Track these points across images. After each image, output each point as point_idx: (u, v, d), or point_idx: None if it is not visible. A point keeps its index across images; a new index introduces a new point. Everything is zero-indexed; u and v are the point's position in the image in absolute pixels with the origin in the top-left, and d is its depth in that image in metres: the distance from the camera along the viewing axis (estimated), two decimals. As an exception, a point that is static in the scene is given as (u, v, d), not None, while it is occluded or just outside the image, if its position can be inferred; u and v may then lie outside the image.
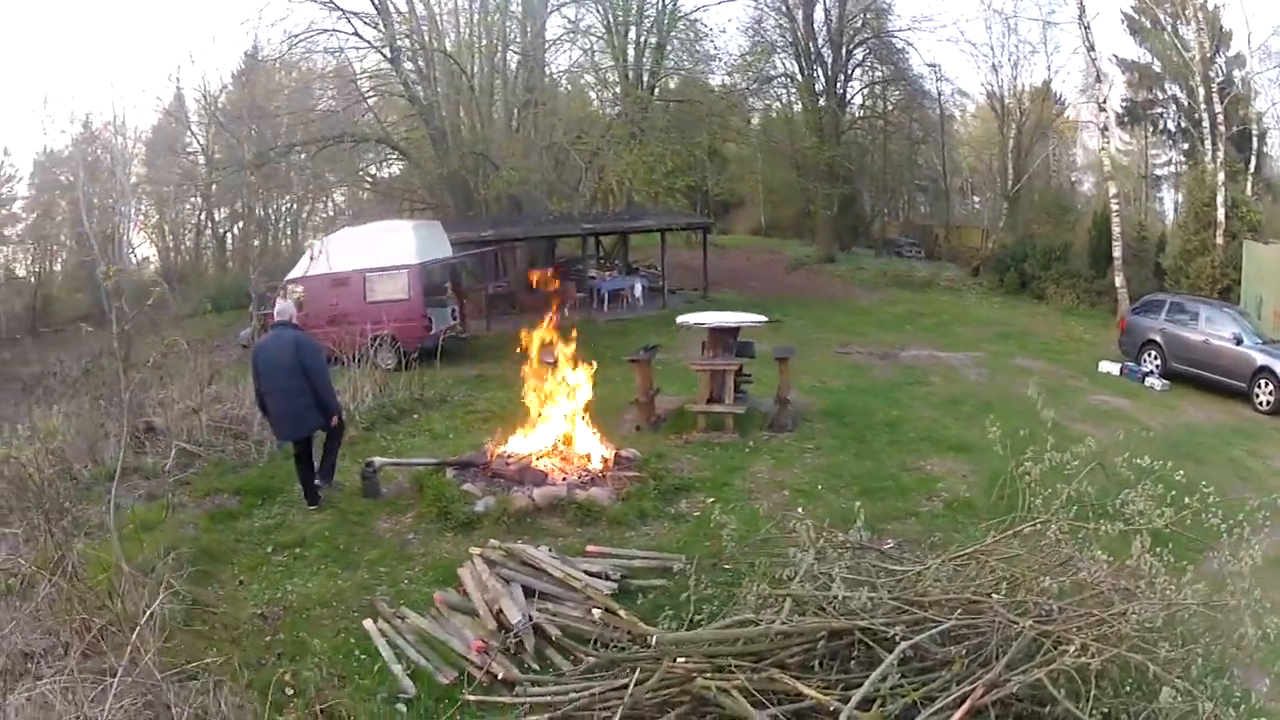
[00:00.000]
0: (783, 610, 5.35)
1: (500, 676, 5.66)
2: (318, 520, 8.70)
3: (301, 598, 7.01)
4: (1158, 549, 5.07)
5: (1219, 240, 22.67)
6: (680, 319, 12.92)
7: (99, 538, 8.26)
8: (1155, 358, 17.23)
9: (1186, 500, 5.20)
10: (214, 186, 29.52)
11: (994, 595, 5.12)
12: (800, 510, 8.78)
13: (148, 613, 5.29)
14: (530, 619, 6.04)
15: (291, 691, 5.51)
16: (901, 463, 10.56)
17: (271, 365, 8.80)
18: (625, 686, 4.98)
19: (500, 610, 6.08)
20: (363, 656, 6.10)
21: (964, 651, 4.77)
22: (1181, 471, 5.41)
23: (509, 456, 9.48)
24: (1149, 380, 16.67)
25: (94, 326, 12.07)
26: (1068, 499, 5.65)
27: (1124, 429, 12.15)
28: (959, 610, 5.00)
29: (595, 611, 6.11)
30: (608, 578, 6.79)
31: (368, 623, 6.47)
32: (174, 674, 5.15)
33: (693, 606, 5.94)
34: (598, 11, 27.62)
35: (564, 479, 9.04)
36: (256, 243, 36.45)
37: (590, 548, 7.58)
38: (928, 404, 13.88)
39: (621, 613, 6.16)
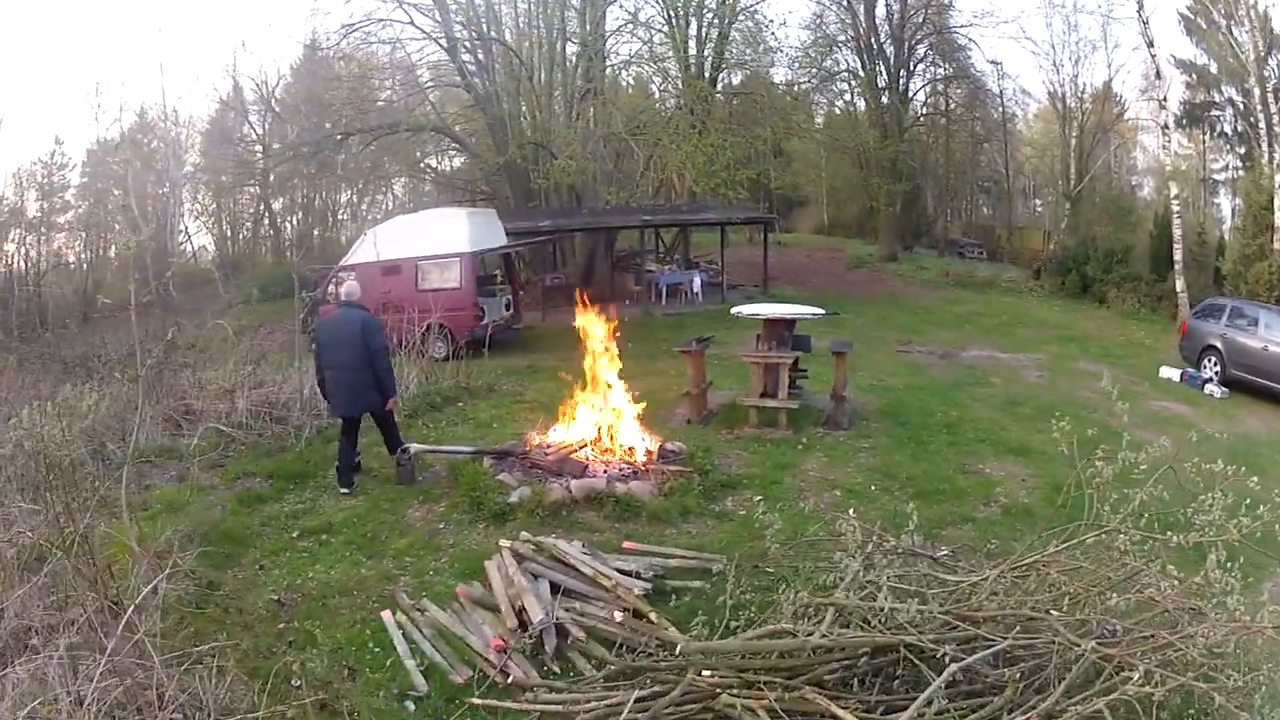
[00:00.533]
0: (824, 621, 4.94)
1: (511, 679, 5.32)
2: (348, 506, 8.49)
3: (321, 585, 6.77)
4: (1227, 564, 4.55)
5: (1276, 245, 22.04)
6: (735, 309, 12.49)
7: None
8: (1215, 364, 16.47)
9: (1261, 510, 4.63)
10: (271, 176, 29.68)
11: (1053, 612, 4.69)
12: (851, 511, 8.33)
13: (145, 590, 5.05)
14: (554, 618, 5.67)
15: (298, 683, 5.23)
16: (959, 465, 10.10)
17: (336, 341, 8.92)
18: (644, 699, 4.60)
19: (523, 607, 5.73)
20: (377, 649, 5.82)
21: (1019, 675, 4.33)
22: (1255, 479, 4.85)
23: (548, 447, 9.14)
24: (1208, 387, 15.97)
25: (142, 311, 12.09)
26: (1139, 505, 5.07)
27: (1187, 435, 11.54)
28: (1015, 628, 4.61)
29: (616, 613, 5.75)
30: (640, 577, 6.41)
31: (385, 614, 6.19)
32: (174, 656, 4.90)
33: (729, 612, 5.52)
34: (658, 3, 27.24)
35: (604, 471, 8.67)
36: (317, 232, 36.86)
37: (627, 544, 7.21)
38: (988, 405, 13.40)
39: (651, 615, 5.80)
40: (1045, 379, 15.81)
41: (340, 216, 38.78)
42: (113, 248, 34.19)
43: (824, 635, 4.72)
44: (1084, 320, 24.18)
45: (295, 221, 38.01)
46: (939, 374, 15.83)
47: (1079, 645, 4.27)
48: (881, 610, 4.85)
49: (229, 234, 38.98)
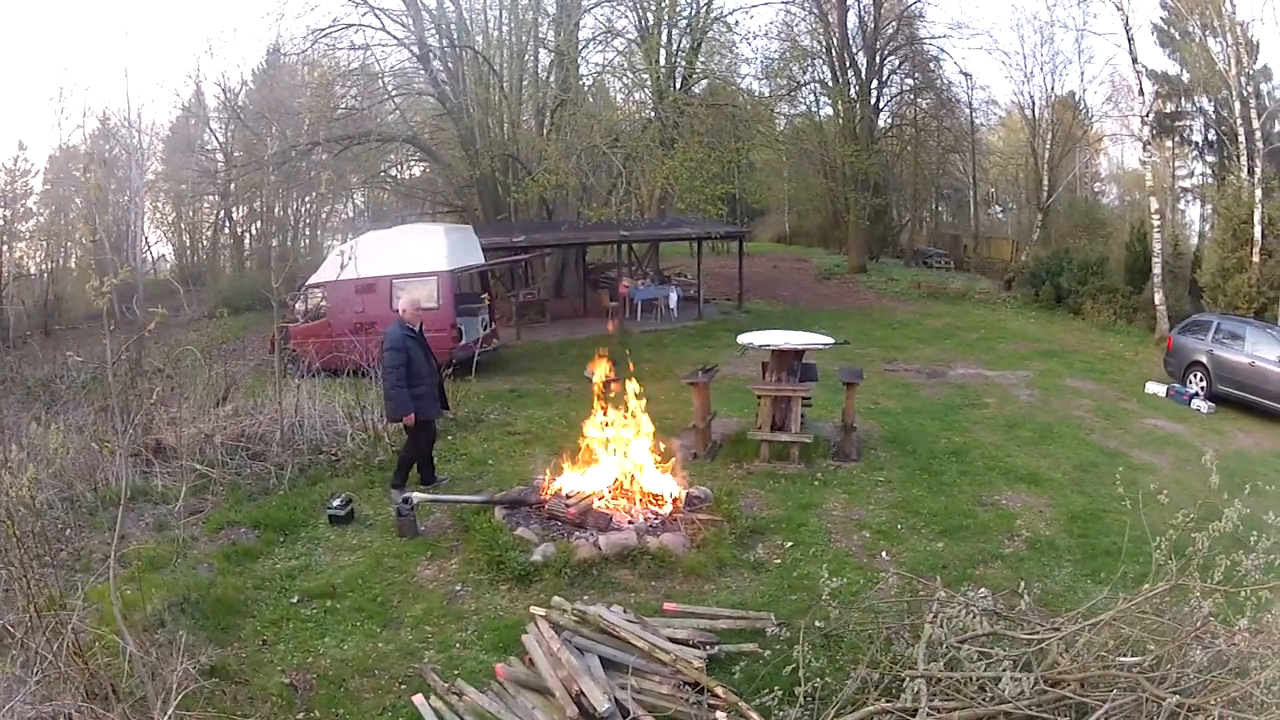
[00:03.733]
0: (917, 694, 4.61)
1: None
2: (348, 563, 7.75)
3: (336, 663, 6.05)
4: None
5: (1256, 259, 22.21)
6: (742, 338, 11.78)
7: (102, 576, 7.44)
8: (1201, 379, 16.69)
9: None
10: (233, 185, 28.63)
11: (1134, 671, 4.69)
12: (884, 554, 8.10)
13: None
14: (618, 705, 5.07)
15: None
16: (975, 496, 9.89)
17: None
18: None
19: (580, 692, 5.11)
20: (417, 744, 5.17)
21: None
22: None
23: (568, 496, 8.38)
24: (1195, 403, 16.10)
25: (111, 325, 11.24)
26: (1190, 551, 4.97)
27: (1180, 454, 12.00)
28: (1100, 686, 4.67)
29: (720, 715, 5.07)
30: (696, 645, 5.82)
31: (418, 699, 5.51)
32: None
33: (803, 683, 5.00)
34: (632, 12, 26.63)
35: (630, 523, 8.00)
36: (275, 243, 35.74)
37: (668, 605, 6.62)
38: (987, 428, 13.20)
39: (718, 689, 5.23)
40: (1038, 398, 15.66)
41: (299, 225, 37.66)
42: (73, 258, 32.82)
43: (930, 715, 4.51)
44: (1062, 333, 24.27)
45: (255, 231, 36.82)
46: (931, 394, 15.59)
47: (1164, 699, 4.35)
48: (970, 680, 4.76)
49: (188, 243, 37.71)
